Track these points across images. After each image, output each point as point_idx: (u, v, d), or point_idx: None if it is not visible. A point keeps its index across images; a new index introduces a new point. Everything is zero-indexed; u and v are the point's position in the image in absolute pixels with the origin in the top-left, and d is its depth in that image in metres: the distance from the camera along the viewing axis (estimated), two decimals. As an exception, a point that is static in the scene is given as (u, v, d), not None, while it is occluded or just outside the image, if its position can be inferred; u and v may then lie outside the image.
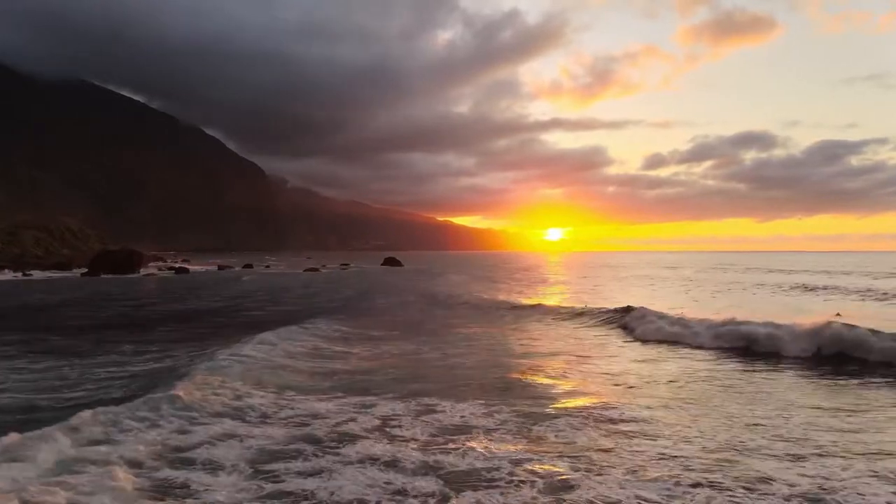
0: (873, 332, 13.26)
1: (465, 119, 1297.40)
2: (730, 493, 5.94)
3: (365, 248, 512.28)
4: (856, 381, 11.32)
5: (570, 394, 10.43)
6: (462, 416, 8.81)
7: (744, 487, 6.06)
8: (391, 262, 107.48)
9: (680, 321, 17.21)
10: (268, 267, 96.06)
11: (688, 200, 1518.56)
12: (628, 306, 20.76)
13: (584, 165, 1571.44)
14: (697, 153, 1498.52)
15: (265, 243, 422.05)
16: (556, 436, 7.83)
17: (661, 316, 18.00)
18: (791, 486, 6.14)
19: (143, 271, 71.92)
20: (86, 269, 66.42)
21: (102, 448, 6.84)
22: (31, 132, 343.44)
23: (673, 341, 16.04)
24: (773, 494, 5.90)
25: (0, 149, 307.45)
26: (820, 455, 7.08)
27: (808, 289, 35.09)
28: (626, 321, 18.97)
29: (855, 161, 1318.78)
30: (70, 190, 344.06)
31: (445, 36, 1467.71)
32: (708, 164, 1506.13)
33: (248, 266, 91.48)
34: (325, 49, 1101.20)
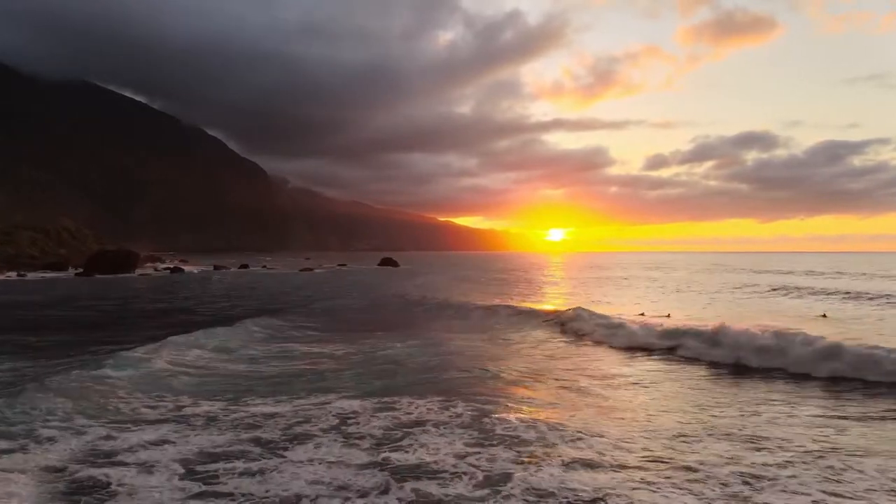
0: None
1: (467, 119, 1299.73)
2: (657, 487, 6.35)
3: (366, 248, 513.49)
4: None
5: (520, 392, 11.00)
6: (419, 413, 9.29)
7: (674, 486, 6.38)
8: (388, 262, 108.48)
9: (619, 325, 17.70)
10: (264, 267, 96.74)
11: (690, 201, 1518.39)
12: (577, 307, 21.37)
13: (586, 166, 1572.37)
14: (699, 153, 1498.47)
15: (266, 244, 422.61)
16: (503, 430, 8.28)
17: (602, 317, 18.63)
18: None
19: (138, 271, 72.76)
20: (80, 270, 67.25)
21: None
22: (33, 132, 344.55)
23: (605, 343, 16.79)
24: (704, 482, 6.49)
25: (1, 149, 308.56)
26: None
27: (784, 292, 35.34)
28: (567, 322, 19.56)
29: (857, 161, 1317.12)
30: (71, 190, 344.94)
31: (446, 36, 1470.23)
32: (709, 164, 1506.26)
33: (244, 266, 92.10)
34: (327, 49, 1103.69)
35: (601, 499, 6.11)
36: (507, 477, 6.66)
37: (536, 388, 11.58)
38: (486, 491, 6.30)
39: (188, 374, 12.61)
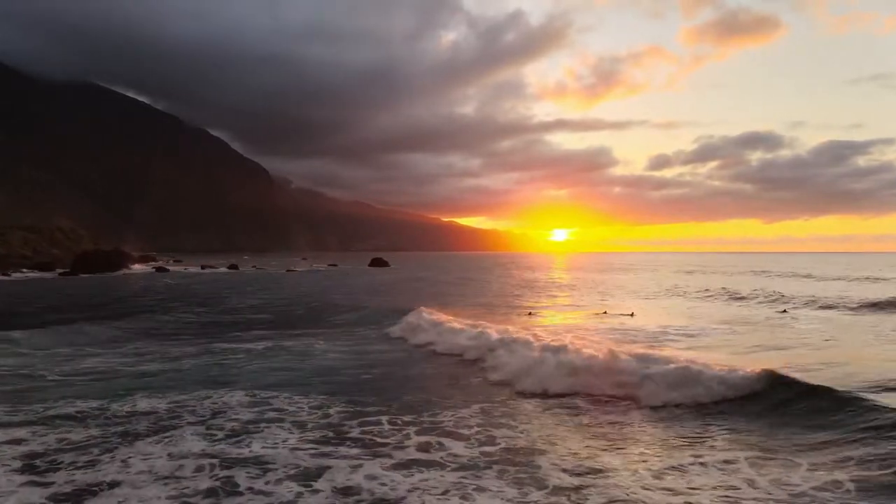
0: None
1: (470, 120, 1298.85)
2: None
3: (368, 249, 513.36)
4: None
5: (369, 393, 11.65)
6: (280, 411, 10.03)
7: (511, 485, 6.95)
8: (378, 262, 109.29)
9: (447, 329, 17.64)
10: (255, 267, 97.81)
11: (693, 201, 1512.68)
12: (419, 308, 21.97)
13: (589, 166, 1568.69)
14: (702, 154, 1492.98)
15: (269, 244, 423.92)
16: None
17: (436, 322, 18.79)
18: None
19: (124, 271, 73.61)
20: (66, 270, 67.97)
21: None
22: (35, 133, 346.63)
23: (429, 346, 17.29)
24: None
25: (5, 150, 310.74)
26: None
27: (737, 296, 35.13)
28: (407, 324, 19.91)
29: (862, 161, 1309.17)
30: (74, 191, 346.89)
31: (449, 37, 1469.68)
32: (713, 164, 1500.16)
33: (234, 266, 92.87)
34: (330, 50, 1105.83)
35: (403, 498, 6.54)
36: (320, 472, 7.24)
37: (383, 390, 11.97)
38: (296, 484, 6.86)
39: None
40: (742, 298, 32.55)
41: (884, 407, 8.54)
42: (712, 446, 8.14)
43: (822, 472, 6.95)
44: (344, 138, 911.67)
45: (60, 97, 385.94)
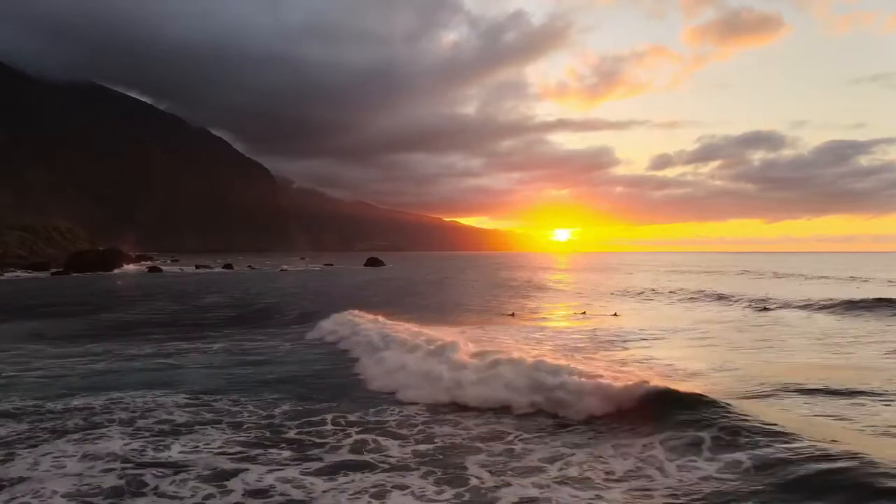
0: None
1: (471, 120, 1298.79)
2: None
3: (370, 248, 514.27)
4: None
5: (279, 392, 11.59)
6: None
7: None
8: (373, 261, 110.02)
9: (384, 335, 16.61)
10: (250, 267, 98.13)
11: (695, 201, 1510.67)
12: (350, 310, 21.61)
13: (591, 166, 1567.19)
14: (704, 153, 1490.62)
15: (270, 243, 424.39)
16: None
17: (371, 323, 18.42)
18: None
19: (118, 270, 73.84)
20: (59, 269, 68.24)
21: None
22: (38, 134, 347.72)
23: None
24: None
25: (7, 151, 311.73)
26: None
27: (723, 297, 34.98)
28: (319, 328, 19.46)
29: (864, 161, 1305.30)
30: (76, 191, 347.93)
31: (450, 37, 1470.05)
32: (715, 164, 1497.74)
33: (228, 266, 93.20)
34: (331, 51, 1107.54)
35: (315, 499, 6.50)
36: (232, 473, 7.10)
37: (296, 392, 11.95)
38: (209, 486, 6.74)
39: None
40: (723, 298, 32.46)
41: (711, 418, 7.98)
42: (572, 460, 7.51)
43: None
44: (345, 138, 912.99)
45: (62, 97, 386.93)
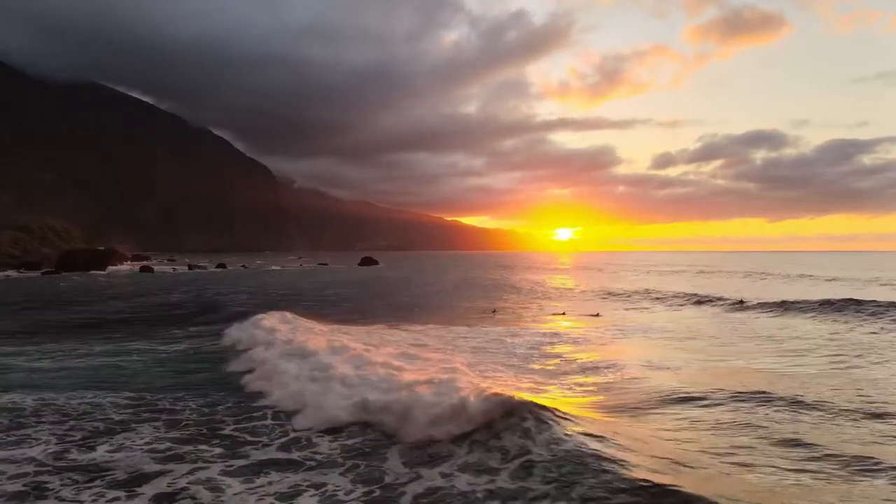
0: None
1: (473, 119, 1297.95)
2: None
3: (372, 248, 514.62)
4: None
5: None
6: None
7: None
8: (367, 261, 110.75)
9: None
10: (244, 266, 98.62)
11: (697, 200, 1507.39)
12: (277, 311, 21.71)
13: (593, 165, 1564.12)
14: (707, 152, 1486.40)
15: (272, 243, 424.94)
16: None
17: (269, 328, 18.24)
18: None
19: (110, 269, 74.14)
20: (49, 269, 68.45)
21: None
22: (40, 134, 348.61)
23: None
24: None
25: (9, 151, 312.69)
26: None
27: (705, 297, 34.93)
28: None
29: (867, 160, 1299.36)
30: (78, 191, 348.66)
31: (451, 37, 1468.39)
32: (717, 163, 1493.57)
33: (221, 265, 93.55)
34: (333, 51, 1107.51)
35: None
36: (151, 477, 7.04)
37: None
38: (114, 491, 6.66)
39: None
40: (707, 299, 32.27)
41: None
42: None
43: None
44: (347, 138, 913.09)
45: (64, 97, 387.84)
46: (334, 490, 6.68)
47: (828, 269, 68.78)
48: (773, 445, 7.57)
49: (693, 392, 10.46)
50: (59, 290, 41.51)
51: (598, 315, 25.81)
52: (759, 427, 8.38)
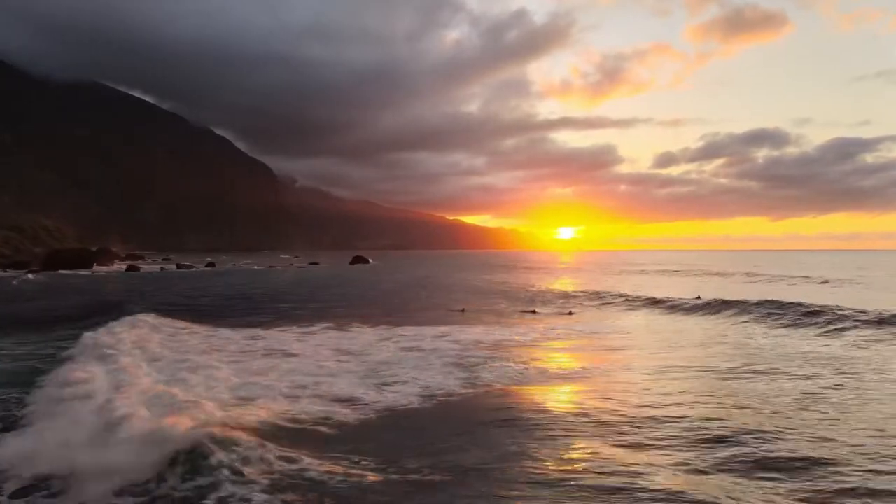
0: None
1: (474, 118, 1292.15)
2: None
3: (374, 247, 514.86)
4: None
5: None
6: None
7: None
8: (358, 259, 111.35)
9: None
10: (234, 265, 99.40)
11: (700, 199, 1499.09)
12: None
13: (594, 164, 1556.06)
14: (708, 151, 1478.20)
15: (273, 243, 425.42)
16: None
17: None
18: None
19: (95, 269, 74.75)
20: (35, 268, 69.04)
21: None
22: (41, 134, 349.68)
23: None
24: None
25: (10, 151, 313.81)
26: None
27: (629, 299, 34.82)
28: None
29: (869, 158, 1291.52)
30: (78, 191, 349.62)
31: (452, 36, 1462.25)
32: (719, 161, 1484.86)
33: (211, 265, 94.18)
34: (333, 50, 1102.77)
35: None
36: None
37: None
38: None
39: None
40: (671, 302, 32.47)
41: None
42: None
43: None
44: (348, 137, 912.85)
45: (64, 97, 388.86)
46: None
47: (809, 270, 68.78)
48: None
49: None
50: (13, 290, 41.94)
51: (570, 314, 26.46)
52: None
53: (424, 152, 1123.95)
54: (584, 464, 7.06)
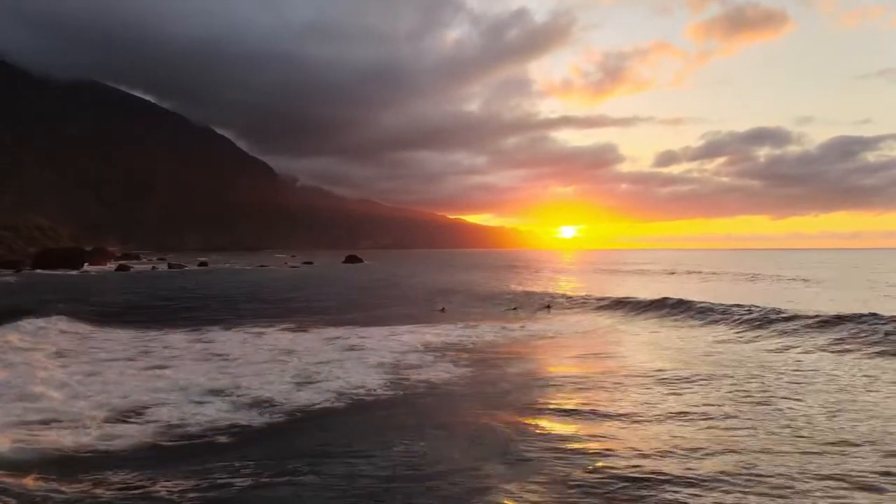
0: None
1: (475, 117, 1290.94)
2: None
3: (375, 246, 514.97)
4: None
5: None
6: None
7: None
8: (352, 258, 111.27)
9: None
10: (227, 264, 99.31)
11: (701, 198, 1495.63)
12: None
13: (596, 163, 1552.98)
14: (710, 150, 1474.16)
15: (275, 242, 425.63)
16: None
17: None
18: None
19: (87, 268, 74.75)
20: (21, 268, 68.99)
21: None
22: (42, 133, 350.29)
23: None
24: None
25: (11, 150, 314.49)
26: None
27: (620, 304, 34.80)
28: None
29: (871, 157, 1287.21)
30: (79, 190, 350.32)
31: (453, 35, 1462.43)
32: (721, 160, 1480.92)
33: (203, 264, 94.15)
34: (335, 49, 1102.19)
35: None
36: None
37: None
38: None
39: None
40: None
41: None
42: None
43: None
44: (350, 136, 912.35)
45: (65, 97, 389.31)
46: None
47: (788, 269, 68.35)
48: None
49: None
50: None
51: (549, 307, 27.12)
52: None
53: (426, 151, 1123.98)
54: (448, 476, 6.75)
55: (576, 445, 7.54)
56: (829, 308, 21.58)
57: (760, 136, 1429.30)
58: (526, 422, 9.08)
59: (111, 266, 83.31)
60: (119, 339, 17.97)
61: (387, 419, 9.21)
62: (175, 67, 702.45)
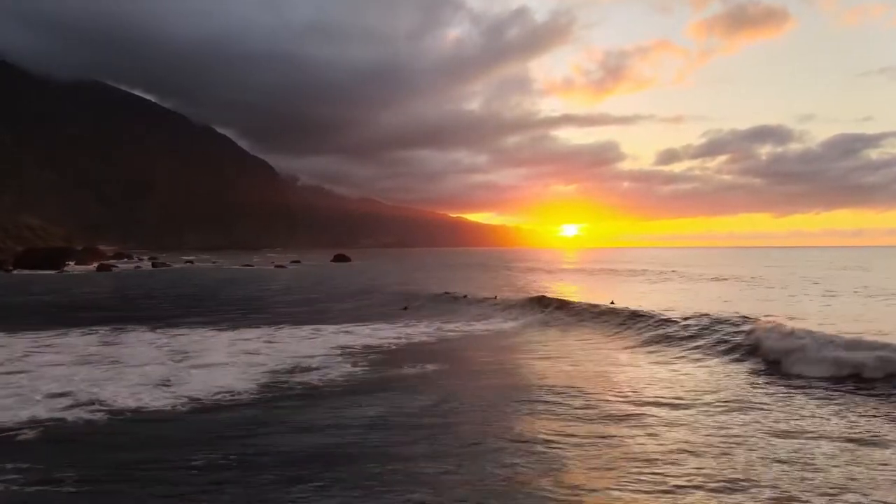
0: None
1: (476, 116, 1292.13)
2: None
3: (376, 245, 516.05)
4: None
5: None
6: None
7: None
8: (340, 257, 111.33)
9: None
10: (214, 263, 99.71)
11: (703, 196, 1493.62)
12: None
13: (597, 161, 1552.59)
14: (711, 148, 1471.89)
15: (275, 241, 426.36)
16: None
17: None
18: None
19: (76, 268, 75.02)
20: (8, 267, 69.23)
21: None
22: (42, 133, 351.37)
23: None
24: None
25: (11, 150, 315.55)
26: None
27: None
28: None
29: (873, 154, 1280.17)
30: (79, 190, 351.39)
31: (453, 34, 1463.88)
32: (722, 158, 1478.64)
33: (190, 262, 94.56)
34: (335, 49, 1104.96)
35: None
36: None
37: None
38: None
39: None
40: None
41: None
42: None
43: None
44: (350, 135, 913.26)
45: (65, 96, 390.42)
46: None
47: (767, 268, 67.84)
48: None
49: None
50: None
51: (406, 308, 27.57)
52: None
53: (426, 150, 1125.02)
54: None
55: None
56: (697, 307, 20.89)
57: (762, 134, 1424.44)
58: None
59: (91, 266, 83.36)
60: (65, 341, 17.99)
61: (217, 429, 8.96)
62: (175, 67, 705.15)
